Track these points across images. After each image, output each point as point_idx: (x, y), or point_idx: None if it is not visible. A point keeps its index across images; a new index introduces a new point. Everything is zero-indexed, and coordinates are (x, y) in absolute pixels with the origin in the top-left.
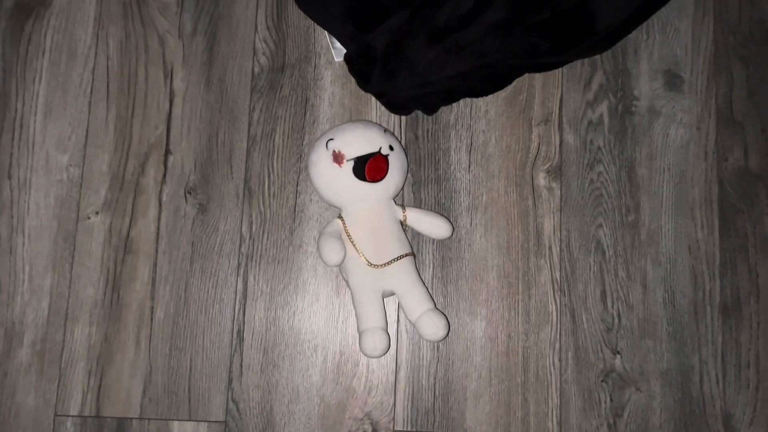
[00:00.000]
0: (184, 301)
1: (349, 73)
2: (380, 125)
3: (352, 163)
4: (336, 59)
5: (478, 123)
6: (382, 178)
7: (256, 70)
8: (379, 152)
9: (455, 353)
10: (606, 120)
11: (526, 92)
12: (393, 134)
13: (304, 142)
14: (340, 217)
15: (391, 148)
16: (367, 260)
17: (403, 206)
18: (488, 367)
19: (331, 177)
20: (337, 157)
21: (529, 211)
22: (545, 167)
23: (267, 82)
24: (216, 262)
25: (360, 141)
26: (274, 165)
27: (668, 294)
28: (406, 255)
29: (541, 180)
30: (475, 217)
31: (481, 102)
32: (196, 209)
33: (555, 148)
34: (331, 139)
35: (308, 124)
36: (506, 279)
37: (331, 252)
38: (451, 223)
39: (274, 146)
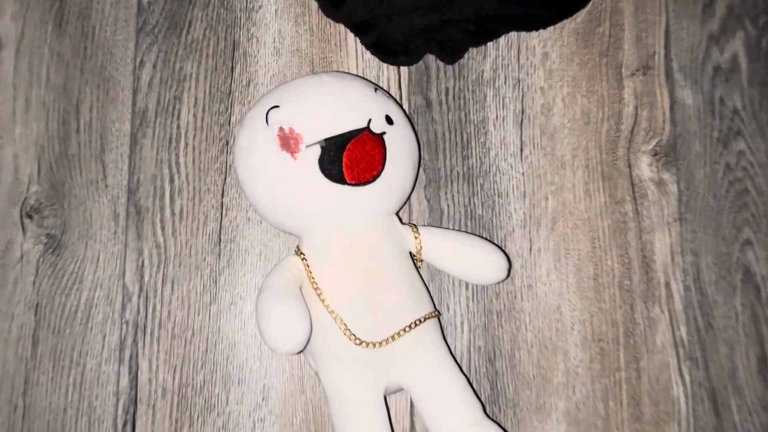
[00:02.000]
0: (22, 415)
1: None
2: (367, 80)
3: (317, 151)
4: None
5: (532, 75)
6: (374, 178)
7: None
8: (367, 129)
9: None
10: (743, 65)
11: (609, 21)
12: (391, 96)
13: (233, 119)
14: (299, 252)
15: (389, 120)
16: (353, 335)
17: (413, 226)
18: None
19: (277, 177)
20: (288, 140)
21: (629, 222)
22: (650, 147)
23: (164, 16)
24: (80, 342)
25: (332, 108)
26: (181, 161)
27: None
28: (426, 318)
29: (645, 169)
30: (537, 237)
31: (535, 39)
32: (42, 245)
33: (663, 115)
34: (276, 106)
35: (238, 87)
36: (597, 345)
37: (284, 326)
38: (505, 254)
39: (179, 128)
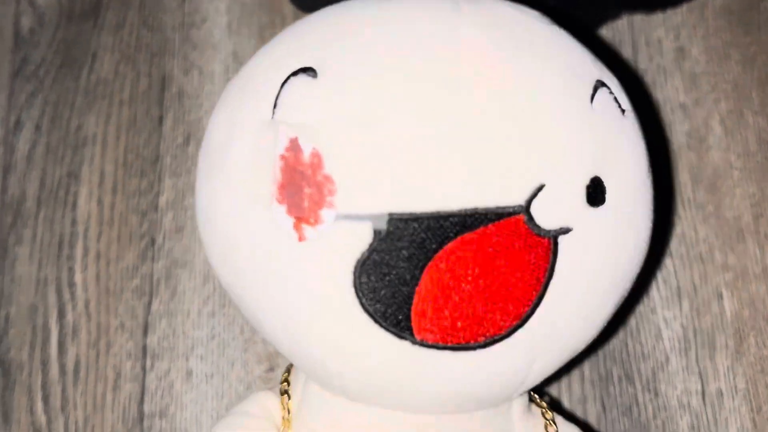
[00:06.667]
0: None
1: None
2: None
3: (362, 236)
4: None
5: (663, 86)
6: (500, 335)
7: None
8: (522, 211)
9: None
10: None
11: None
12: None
13: (161, 202)
14: (283, 381)
15: (595, 189)
16: None
17: (546, 411)
18: None
19: (265, 264)
20: (299, 183)
21: None
22: None
23: (55, 49)
24: None
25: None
26: (77, 280)
27: None
28: None
29: None
30: (712, 371)
31: (659, 27)
32: None
33: None
34: (311, 70)
35: (171, 149)
36: None
37: None
38: None
39: (75, 224)
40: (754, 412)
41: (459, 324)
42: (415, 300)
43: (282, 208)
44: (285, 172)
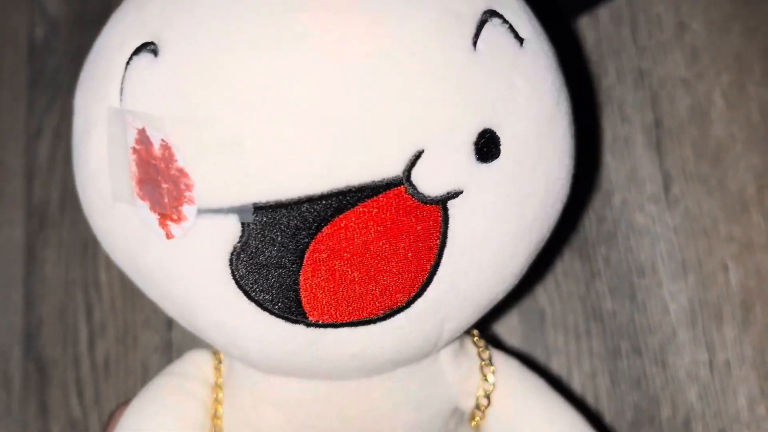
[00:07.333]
0: None
1: None
2: None
3: (231, 230)
4: None
5: (664, 61)
6: (398, 308)
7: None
8: (402, 181)
9: None
10: None
11: None
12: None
13: None
14: (216, 352)
15: (488, 140)
16: None
17: (482, 350)
18: None
19: (140, 258)
20: (155, 176)
21: None
22: None
23: (70, 51)
24: None
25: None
26: (103, 279)
27: None
28: None
29: None
30: (719, 341)
31: (659, 3)
32: None
33: None
34: (151, 44)
35: None
36: None
37: None
38: None
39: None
40: (761, 379)
41: (353, 302)
42: (302, 285)
43: (145, 205)
44: (140, 167)
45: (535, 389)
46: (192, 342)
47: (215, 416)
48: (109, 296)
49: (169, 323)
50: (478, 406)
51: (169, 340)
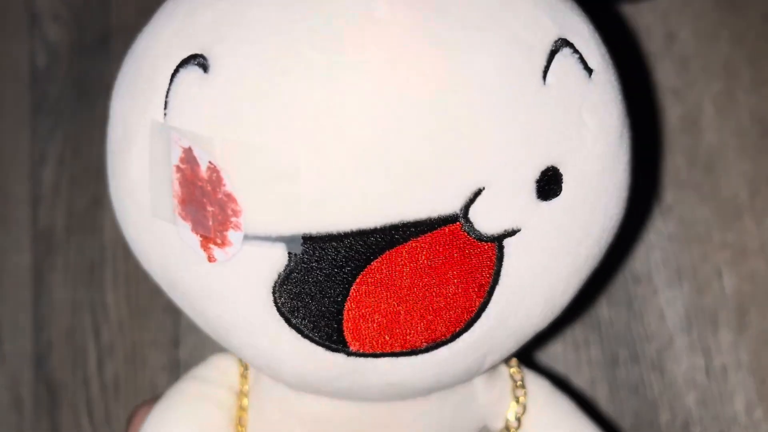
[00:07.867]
0: None
1: None
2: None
3: (277, 258)
4: None
5: (656, 71)
6: (443, 340)
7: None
8: (458, 217)
9: None
10: None
11: None
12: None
13: None
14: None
15: (550, 179)
16: None
17: (515, 372)
18: None
19: (178, 275)
20: (199, 199)
21: None
22: None
23: (72, 78)
24: None
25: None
26: (109, 300)
27: None
28: None
29: None
30: (716, 347)
31: (648, 14)
32: None
33: None
34: (200, 57)
35: None
36: None
37: None
38: None
39: (104, 248)
40: (758, 383)
41: (396, 335)
42: (345, 315)
43: (187, 226)
44: (183, 186)
45: (564, 414)
46: (200, 360)
47: (239, 423)
48: (117, 317)
49: (176, 342)
50: (507, 428)
51: (176, 359)
